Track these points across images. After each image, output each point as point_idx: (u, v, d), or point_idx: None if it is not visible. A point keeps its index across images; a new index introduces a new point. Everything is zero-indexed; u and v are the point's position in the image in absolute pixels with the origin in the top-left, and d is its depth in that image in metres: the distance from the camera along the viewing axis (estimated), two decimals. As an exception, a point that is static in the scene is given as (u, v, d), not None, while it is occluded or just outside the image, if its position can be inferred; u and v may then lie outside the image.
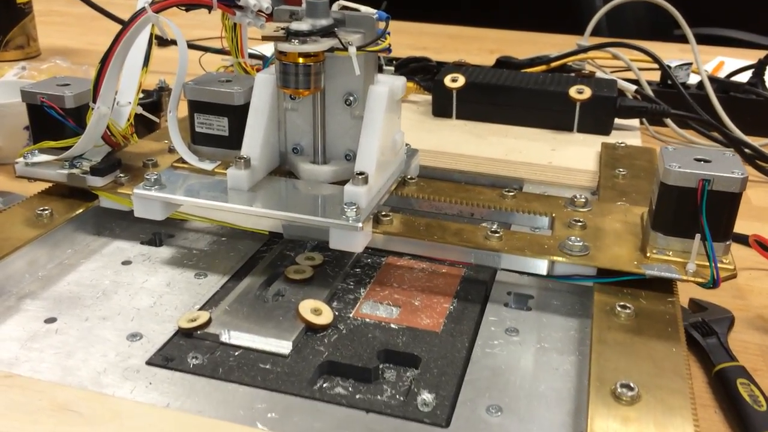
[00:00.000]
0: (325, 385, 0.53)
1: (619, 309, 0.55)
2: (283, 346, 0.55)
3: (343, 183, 0.67)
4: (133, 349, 0.55)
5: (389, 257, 0.69)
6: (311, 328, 0.57)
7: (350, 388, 0.53)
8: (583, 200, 0.68)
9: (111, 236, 0.72)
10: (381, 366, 0.54)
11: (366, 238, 0.60)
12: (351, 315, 0.60)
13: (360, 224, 0.59)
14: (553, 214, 0.67)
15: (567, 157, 0.89)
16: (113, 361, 0.53)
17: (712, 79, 1.21)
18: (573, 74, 1.06)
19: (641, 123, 1.10)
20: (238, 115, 0.70)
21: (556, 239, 0.62)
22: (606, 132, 0.98)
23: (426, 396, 0.51)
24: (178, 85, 0.68)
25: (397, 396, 0.52)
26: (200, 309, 0.60)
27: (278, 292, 0.62)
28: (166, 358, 0.54)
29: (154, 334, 0.56)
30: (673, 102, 1.07)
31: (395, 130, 0.69)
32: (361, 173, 0.62)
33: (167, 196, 0.63)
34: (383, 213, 0.64)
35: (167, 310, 0.59)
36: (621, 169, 0.81)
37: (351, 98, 0.66)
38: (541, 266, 0.61)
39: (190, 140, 0.73)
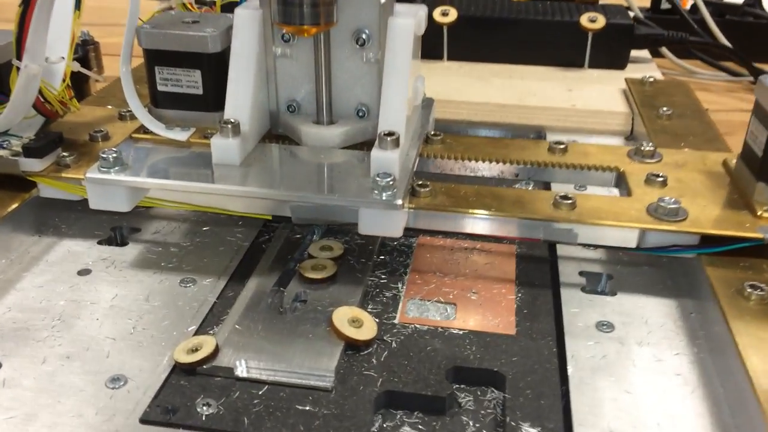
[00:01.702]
0: (387, 425, 0.39)
1: (749, 290, 0.43)
2: (323, 376, 0.41)
3: (356, 147, 0.53)
4: (118, 400, 0.40)
5: (420, 237, 0.56)
6: (351, 345, 0.44)
7: (420, 426, 0.39)
8: (652, 148, 0.56)
9: (56, 236, 0.55)
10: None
11: (405, 218, 0.47)
12: (396, 321, 0.46)
13: (400, 200, 0.45)
14: (622, 169, 0.54)
15: (589, 97, 0.77)
16: (93, 423, 0.38)
17: (706, 3, 1.10)
18: (573, 1, 0.93)
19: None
20: (213, 65, 0.54)
21: (639, 201, 0.49)
22: (621, 66, 0.86)
23: (530, 431, 0.38)
24: (129, 31, 0.51)
25: (484, 431, 0.39)
26: (198, 332, 0.45)
27: (296, 297, 0.48)
28: (167, 409, 0.39)
29: (143, 375, 0.41)
30: (665, 28, 0.95)
31: (417, 75, 0.54)
32: (390, 133, 0.47)
33: (134, 179, 0.47)
34: (419, 182, 0.50)
35: (153, 337, 0.44)
36: (664, 108, 0.69)
37: (363, 36, 0.51)
38: (629, 238, 0.48)
39: (150, 102, 0.56)
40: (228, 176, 0.48)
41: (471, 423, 0.40)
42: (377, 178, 0.46)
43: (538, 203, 0.49)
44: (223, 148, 0.49)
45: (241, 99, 0.51)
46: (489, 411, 0.41)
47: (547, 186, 0.60)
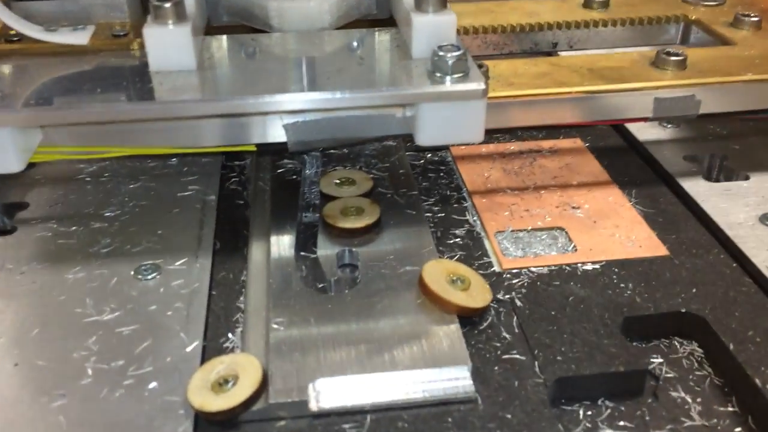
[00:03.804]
0: (577, 433, 0.24)
1: None
2: (457, 378, 0.25)
3: (353, 26, 0.36)
4: None
5: (451, 148, 0.40)
6: (465, 317, 0.28)
7: (622, 422, 0.25)
8: (713, -11, 0.43)
9: None
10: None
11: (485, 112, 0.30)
12: (496, 268, 0.31)
13: (483, 83, 0.29)
14: (692, 17, 0.41)
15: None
16: None
17: None
18: None
19: None
20: None
21: (752, 47, 0.37)
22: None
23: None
24: None
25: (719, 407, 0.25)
26: (208, 351, 0.27)
27: (340, 262, 0.31)
28: (222, 507, 0.21)
29: (146, 450, 0.23)
30: None
31: None
32: (435, -12, 0.31)
33: (30, 113, 0.27)
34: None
35: (133, 375, 0.25)
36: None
37: None
38: (764, 96, 0.35)
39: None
40: (188, 86, 0.29)
41: (689, 399, 0.26)
42: (440, 54, 0.29)
43: (635, 68, 0.34)
44: (166, 41, 0.30)
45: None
46: (698, 373, 0.27)
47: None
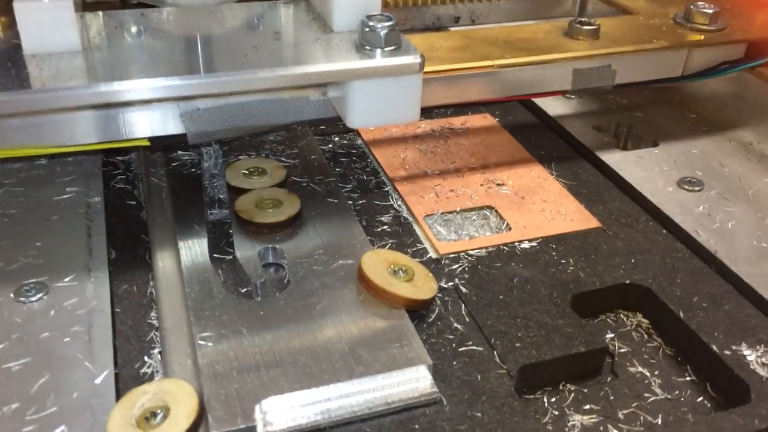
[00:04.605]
0: (546, 423, 0.23)
1: None
2: (416, 379, 0.22)
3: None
4: None
5: (360, 129, 0.37)
6: (413, 310, 0.25)
7: (588, 405, 0.24)
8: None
9: None
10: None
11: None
12: (433, 254, 0.29)
13: (419, 56, 0.26)
14: (590, -13, 0.41)
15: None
16: None
17: None
18: None
19: None
20: None
21: (654, 16, 0.37)
22: None
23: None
24: None
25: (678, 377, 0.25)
26: (122, 381, 0.23)
27: (264, 261, 0.27)
28: None
29: None
30: None
31: None
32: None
33: None
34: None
35: (31, 418, 0.21)
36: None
37: None
38: (673, 64, 0.35)
39: None
40: (75, 71, 0.24)
41: (647, 373, 0.25)
42: (371, 24, 0.26)
43: (550, 39, 0.33)
44: (44, 18, 0.25)
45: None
46: (650, 345, 0.26)
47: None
